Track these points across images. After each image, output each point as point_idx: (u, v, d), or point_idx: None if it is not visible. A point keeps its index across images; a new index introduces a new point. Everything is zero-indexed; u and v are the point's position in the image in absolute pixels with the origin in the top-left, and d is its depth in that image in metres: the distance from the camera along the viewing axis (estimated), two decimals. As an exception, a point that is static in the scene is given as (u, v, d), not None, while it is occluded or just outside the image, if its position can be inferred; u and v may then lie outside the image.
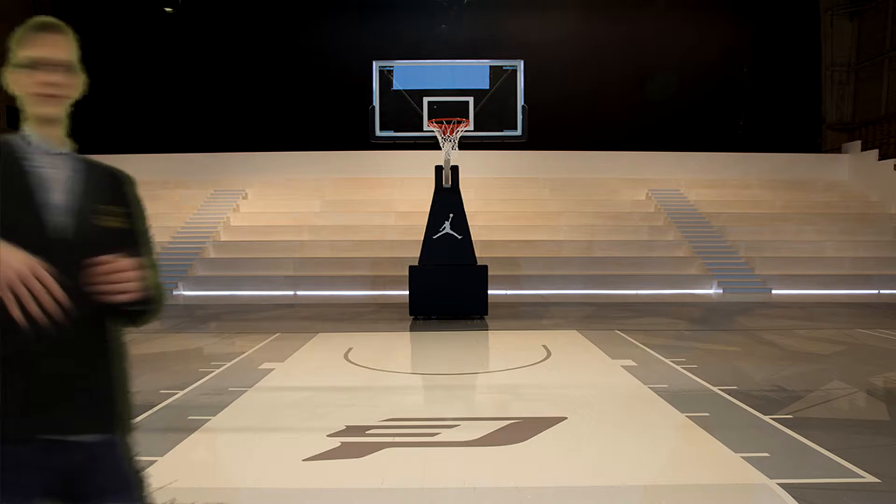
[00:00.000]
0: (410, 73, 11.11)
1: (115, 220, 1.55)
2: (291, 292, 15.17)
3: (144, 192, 1.64)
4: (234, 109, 21.29)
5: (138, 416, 4.76)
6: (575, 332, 8.95)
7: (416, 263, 10.48)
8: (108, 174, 1.62)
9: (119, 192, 1.61)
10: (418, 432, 4.39)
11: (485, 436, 4.24)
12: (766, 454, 3.86)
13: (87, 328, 1.50)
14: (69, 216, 1.49)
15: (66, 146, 1.56)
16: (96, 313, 1.50)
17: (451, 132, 10.52)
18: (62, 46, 1.50)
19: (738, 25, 22.13)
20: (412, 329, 9.59)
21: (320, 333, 8.96)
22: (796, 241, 17.17)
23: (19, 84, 1.50)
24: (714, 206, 18.84)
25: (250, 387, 5.68)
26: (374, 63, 10.93)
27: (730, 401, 5.15)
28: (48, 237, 1.46)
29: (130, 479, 1.58)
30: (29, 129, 1.52)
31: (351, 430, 4.39)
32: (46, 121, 1.52)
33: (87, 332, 1.51)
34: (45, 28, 1.50)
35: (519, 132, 10.72)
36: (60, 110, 1.52)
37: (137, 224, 1.62)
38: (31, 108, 1.51)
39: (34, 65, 1.48)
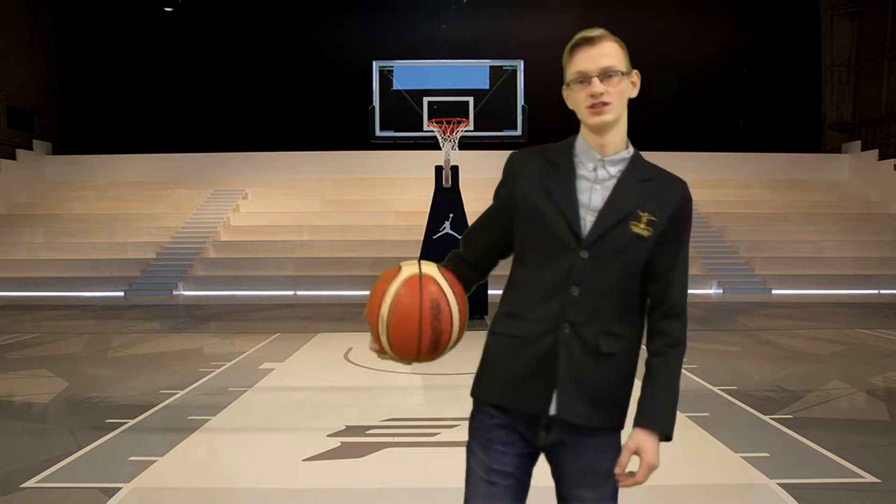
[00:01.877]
0: (410, 73, 11.11)
1: (644, 228, 1.58)
2: (291, 292, 15.17)
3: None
4: (233, 109, 21.28)
5: (138, 416, 4.76)
6: (575, 332, 8.93)
7: (416, 263, 10.45)
8: (656, 182, 1.65)
9: (662, 201, 1.63)
10: (418, 432, 4.39)
11: (485, 436, 4.23)
12: (766, 454, 3.86)
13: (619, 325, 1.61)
14: (598, 221, 1.55)
15: (619, 152, 1.62)
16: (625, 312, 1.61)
17: (451, 132, 10.51)
18: (597, 56, 1.56)
19: (738, 25, 22.11)
20: (412, 329, 9.57)
21: (320, 333, 8.96)
22: (796, 241, 17.15)
23: (570, 99, 1.62)
24: (714, 206, 18.82)
25: (250, 387, 5.68)
26: (374, 63, 10.92)
27: (730, 401, 5.15)
28: (578, 239, 1.55)
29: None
30: (581, 136, 1.63)
31: (351, 430, 4.39)
32: (595, 130, 1.59)
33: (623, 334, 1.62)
34: (582, 42, 1.59)
35: (519, 132, 10.71)
36: (608, 118, 1.56)
37: (672, 245, 1.64)
38: (582, 119, 1.60)
39: (576, 80, 1.58)
